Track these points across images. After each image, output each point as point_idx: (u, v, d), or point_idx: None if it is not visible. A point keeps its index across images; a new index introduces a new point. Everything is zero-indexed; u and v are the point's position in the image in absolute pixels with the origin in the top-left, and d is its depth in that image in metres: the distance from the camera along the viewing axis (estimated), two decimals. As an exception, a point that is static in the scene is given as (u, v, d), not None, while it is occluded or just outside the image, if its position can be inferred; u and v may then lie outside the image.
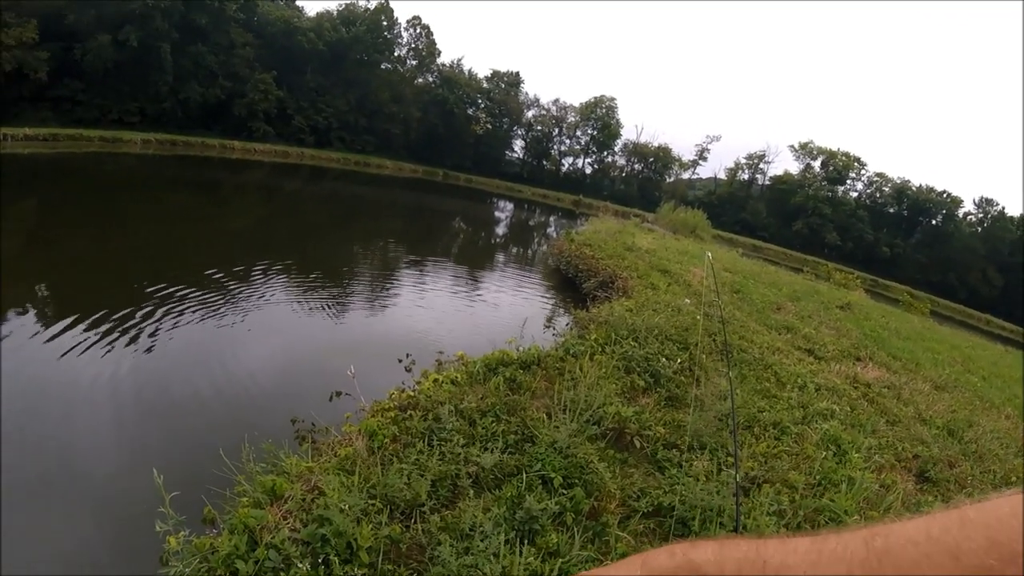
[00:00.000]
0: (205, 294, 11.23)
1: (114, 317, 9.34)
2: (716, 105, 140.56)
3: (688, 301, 10.49)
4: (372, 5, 63.20)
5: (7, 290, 9.65)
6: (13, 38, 34.97)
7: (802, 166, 76.59)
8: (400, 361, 7.20)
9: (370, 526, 3.42)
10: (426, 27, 69.35)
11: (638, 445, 5.27)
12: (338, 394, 5.90)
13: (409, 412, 5.12)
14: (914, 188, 73.37)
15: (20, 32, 35.38)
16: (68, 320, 8.72)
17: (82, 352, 7.91)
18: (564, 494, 4.15)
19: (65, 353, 7.75)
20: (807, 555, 0.51)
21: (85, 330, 8.55)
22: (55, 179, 25.08)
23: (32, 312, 9.03)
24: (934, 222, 73.74)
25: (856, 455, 5.82)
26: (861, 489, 4.98)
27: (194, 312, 10.14)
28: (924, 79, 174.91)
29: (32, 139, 32.58)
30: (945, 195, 72.29)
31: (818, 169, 75.51)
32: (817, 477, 5.18)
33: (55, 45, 38.57)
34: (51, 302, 9.91)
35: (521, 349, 7.12)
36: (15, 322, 8.50)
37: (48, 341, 8.03)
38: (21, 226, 15.58)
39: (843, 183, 74.97)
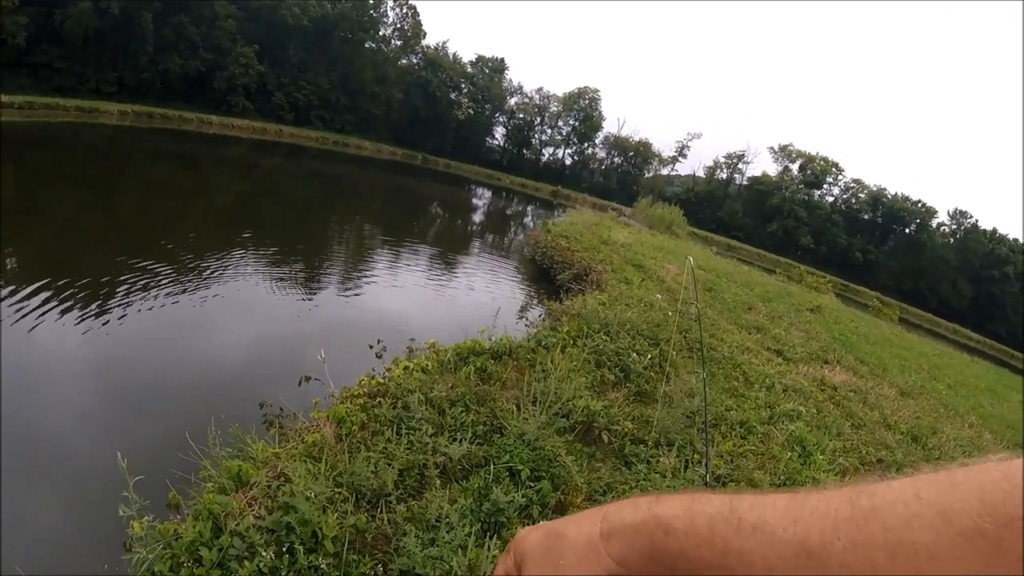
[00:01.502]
0: (177, 270, 11.08)
1: (83, 289, 9.18)
2: (698, 103, 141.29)
3: (660, 297, 10.57)
4: (359, -18, 62.34)
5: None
6: (-9, 1, 33.96)
7: (780, 168, 77.31)
8: (371, 347, 7.16)
9: (336, 515, 3.42)
10: (412, 7, 68.59)
11: (606, 440, 5.32)
12: (307, 379, 5.85)
13: (378, 399, 5.11)
14: (890, 196, 74.40)
15: (0, -4, 34.36)
16: (36, 291, 8.55)
17: (49, 324, 7.78)
18: (531, 487, 4.18)
19: (33, 328, 7.61)
20: (787, 511, 0.48)
21: (53, 302, 8.40)
22: (30, 147, 24.50)
23: (5, 287, 8.82)
24: (908, 231, 74.84)
25: (821, 457, 5.93)
26: (824, 491, 5.07)
27: (165, 288, 9.99)
28: (905, 88, 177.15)
29: (7, 107, 31.67)
30: (920, 205, 73.46)
31: (796, 172, 76.25)
32: (782, 477, 5.27)
33: (35, 9, 37.52)
34: (19, 271, 9.69)
35: (493, 339, 7.12)
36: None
37: (15, 312, 7.87)
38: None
39: (820, 187, 75.83)
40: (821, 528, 0.45)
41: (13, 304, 8.09)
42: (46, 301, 8.40)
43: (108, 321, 8.33)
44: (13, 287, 8.64)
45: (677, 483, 4.51)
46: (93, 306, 8.68)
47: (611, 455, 5.20)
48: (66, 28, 39.92)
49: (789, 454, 5.78)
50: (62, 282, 9.24)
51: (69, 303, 8.56)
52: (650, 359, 7.52)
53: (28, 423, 5.73)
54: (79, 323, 8.06)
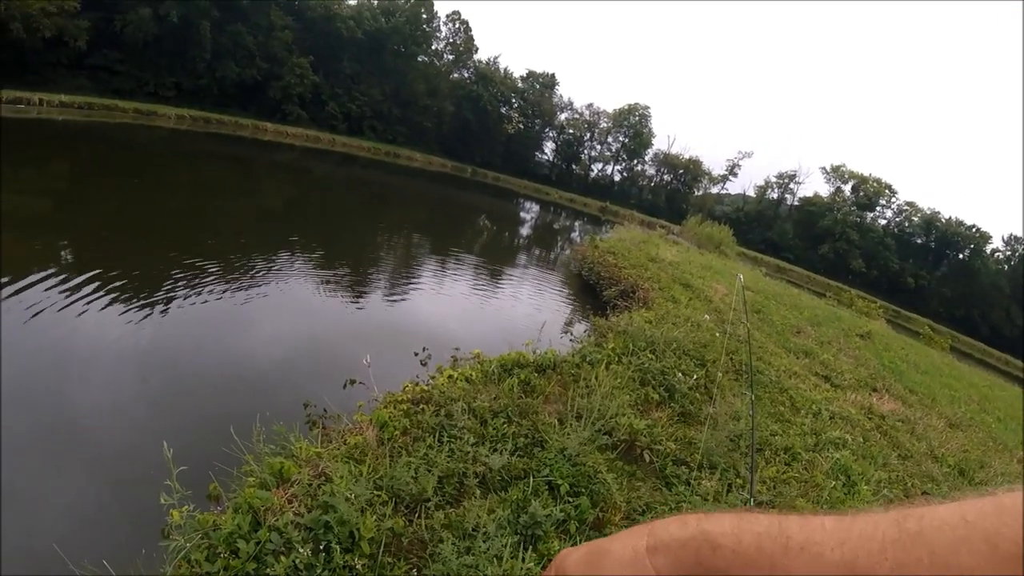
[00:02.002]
0: (229, 268, 11.34)
1: (137, 283, 9.47)
2: (750, 121, 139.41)
3: (708, 317, 10.41)
4: (413, -3, 63.42)
5: (32, 248, 9.80)
6: (55, 5, 35.44)
7: (832, 189, 75.82)
8: (416, 354, 7.20)
9: (374, 517, 3.41)
10: (465, 23, 69.53)
11: (648, 459, 5.23)
12: (352, 382, 5.90)
13: (422, 406, 5.11)
14: (943, 220, 72.32)
15: (62, 0, 35.83)
16: (90, 280, 8.84)
17: (101, 313, 8.03)
18: (570, 502, 4.12)
19: (81, 313, 7.86)
20: (835, 533, 0.48)
21: (107, 293, 8.66)
22: (88, 145, 25.46)
23: (55, 271, 9.12)
24: (961, 256, 72.58)
25: (865, 487, 5.74)
26: (868, 523, 4.90)
27: (217, 285, 10.23)
28: (962, 110, 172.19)
29: (67, 106, 33.15)
30: (974, 230, 71.18)
31: (848, 193, 74.70)
32: (824, 506, 5.11)
33: (96, 15, 39.02)
34: (75, 262, 10.00)
35: (538, 352, 7.09)
36: (38, 279, 8.60)
37: (69, 300, 8.13)
38: (52, 188, 15.84)
39: (872, 209, 74.10)
40: (868, 550, 0.45)
41: (64, 290, 8.38)
42: (97, 290, 8.67)
43: (156, 313, 8.55)
44: (65, 275, 8.94)
45: (718, 506, 4.40)
46: (142, 298, 8.92)
47: (652, 475, 5.11)
48: (126, 33, 41.43)
49: (833, 483, 5.60)
50: (113, 273, 9.54)
51: (118, 293, 8.81)
52: (696, 380, 7.38)
53: (73, 411, 5.89)
54: (128, 313, 8.29)
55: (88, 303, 8.23)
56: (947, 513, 0.43)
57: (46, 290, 8.31)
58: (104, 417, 5.93)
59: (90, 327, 7.69)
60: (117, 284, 9.14)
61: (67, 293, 8.38)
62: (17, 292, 8.09)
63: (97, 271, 9.40)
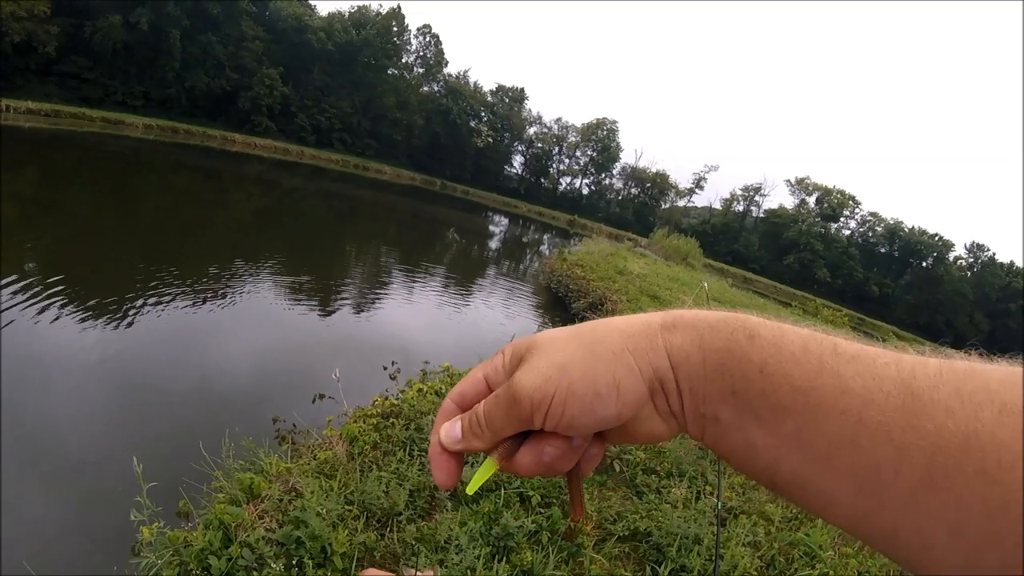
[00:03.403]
0: (197, 280, 11.20)
1: (104, 293, 9.32)
2: (716, 135, 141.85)
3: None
4: (384, 9, 63.52)
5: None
6: (25, 9, 34.88)
7: (797, 201, 77.37)
8: (385, 368, 7.22)
9: (346, 532, 3.42)
10: (435, 36, 69.79)
11: (617, 468, 5.28)
12: (321, 396, 5.90)
13: (391, 420, 5.12)
14: (906, 229, 74.10)
15: (33, 4, 35.34)
16: (56, 289, 8.68)
17: (65, 323, 7.89)
18: (541, 512, 4.16)
19: (42, 322, 7.72)
20: (884, 352, 0.42)
21: (72, 302, 8.51)
22: (55, 153, 25.02)
23: (21, 281, 8.95)
24: (925, 264, 74.37)
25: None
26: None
27: (184, 297, 10.10)
28: (921, 122, 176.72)
29: (35, 113, 32.61)
30: (937, 238, 73.01)
31: (813, 205, 76.19)
32: (793, 511, 5.20)
33: (66, 20, 38.58)
34: (42, 272, 9.81)
35: (507, 364, 7.11)
36: (4, 288, 8.44)
37: (32, 309, 7.98)
38: (18, 194, 15.54)
39: (836, 220, 75.67)
40: (925, 373, 0.39)
41: (27, 298, 8.22)
42: (62, 299, 8.52)
43: (122, 325, 8.42)
44: (28, 282, 8.78)
45: (688, 513, 4.47)
46: (109, 309, 8.78)
47: (622, 484, 5.16)
48: (96, 40, 40.90)
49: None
50: (79, 282, 9.40)
51: (84, 303, 8.67)
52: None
53: (39, 421, 5.78)
54: (93, 323, 8.15)
55: (53, 312, 8.09)
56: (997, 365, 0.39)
57: (9, 297, 8.15)
58: (71, 431, 5.83)
59: (55, 337, 7.56)
60: (83, 294, 8.99)
61: (30, 301, 8.22)
62: None
63: (63, 280, 9.24)
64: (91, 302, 8.88)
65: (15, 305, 8.12)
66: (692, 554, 4.03)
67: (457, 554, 3.47)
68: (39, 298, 8.48)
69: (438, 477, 0.53)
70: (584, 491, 0.57)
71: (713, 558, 4.01)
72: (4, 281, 8.69)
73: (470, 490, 0.54)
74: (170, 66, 45.28)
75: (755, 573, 4.07)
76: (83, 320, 8.24)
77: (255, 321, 10.30)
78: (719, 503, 2.98)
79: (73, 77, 41.29)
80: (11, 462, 5.14)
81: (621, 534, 4.26)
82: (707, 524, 4.41)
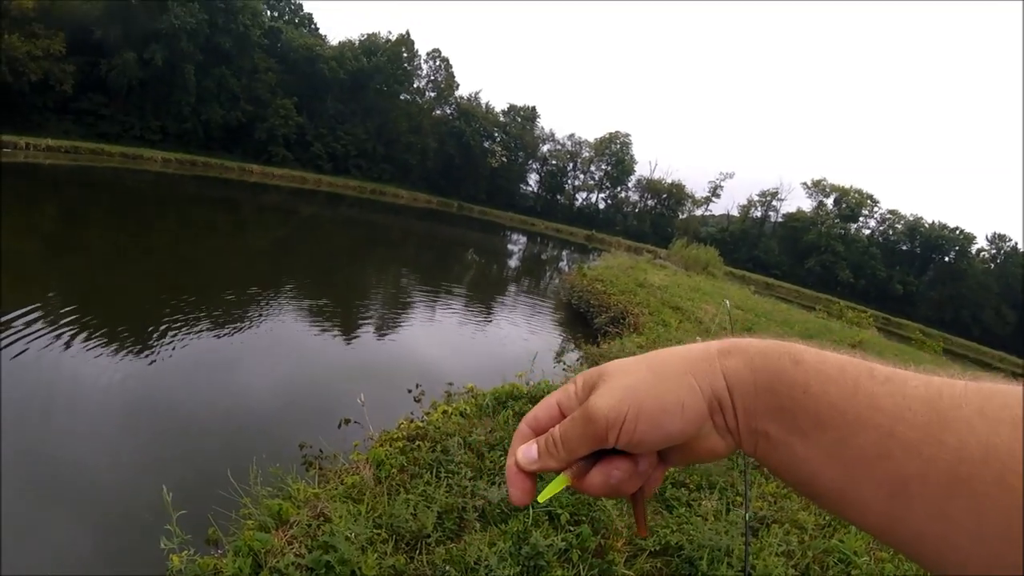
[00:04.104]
0: (220, 310, 11.33)
1: (128, 325, 9.45)
2: (730, 142, 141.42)
3: (699, 339, 10.45)
4: (393, 36, 64.27)
5: (22, 291, 9.78)
6: (41, 48, 35.79)
7: (815, 203, 76.64)
8: (410, 391, 7.25)
9: (375, 555, 3.41)
10: (445, 60, 70.45)
11: (647, 483, 5.23)
12: (347, 421, 5.93)
13: (417, 443, 5.12)
14: (927, 225, 73.00)
15: (48, 43, 36.24)
16: (82, 326, 8.81)
17: (91, 356, 8.00)
18: (571, 531, 4.12)
19: (76, 354, 7.84)
20: (915, 375, 0.48)
21: (98, 337, 8.63)
22: (75, 189, 25.54)
23: (44, 315, 9.11)
24: (947, 259, 73.17)
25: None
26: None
27: (208, 327, 10.22)
28: (936, 116, 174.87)
29: (54, 150, 33.39)
30: (958, 232, 71.84)
31: (831, 206, 75.46)
32: (827, 518, 5.12)
33: (82, 59, 39.47)
34: (65, 307, 9.97)
35: (531, 383, 7.12)
36: (28, 324, 8.59)
37: (57, 343, 8.11)
38: (39, 229, 15.88)
39: (856, 220, 74.82)
40: (951, 393, 0.44)
41: (52, 333, 8.36)
42: (87, 332, 8.65)
43: (146, 355, 8.52)
44: (53, 317, 8.94)
45: (719, 525, 4.41)
46: (132, 340, 8.90)
47: (652, 499, 5.11)
48: (111, 77, 41.76)
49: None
50: (102, 315, 9.55)
51: (109, 336, 8.78)
52: (690, 401, 7.40)
53: (66, 451, 5.85)
54: (118, 356, 8.26)
55: (77, 344, 8.21)
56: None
57: (32, 329, 8.30)
58: (99, 462, 5.89)
59: (79, 368, 7.67)
60: (106, 326, 9.11)
61: (55, 335, 8.37)
62: (2, 332, 8.10)
63: (84, 312, 9.40)
64: (114, 334, 8.99)
65: (39, 336, 8.27)
66: (723, 566, 3.97)
67: (487, 575, 3.45)
68: (61, 330, 8.61)
69: (514, 495, 0.59)
70: (647, 510, 0.62)
71: (744, 569, 3.95)
72: (26, 312, 8.87)
73: (542, 499, 0.58)
74: (185, 100, 46.09)
75: (791, 583, 4.01)
76: (107, 351, 8.35)
77: (278, 347, 10.37)
78: (747, 514, 2.93)
79: (90, 114, 42.15)
80: (40, 492, 5.22)
81: (652, 549, 4.21)
82: (738, 535, 4.35)
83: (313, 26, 66.46)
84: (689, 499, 5.03)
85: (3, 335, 8.09)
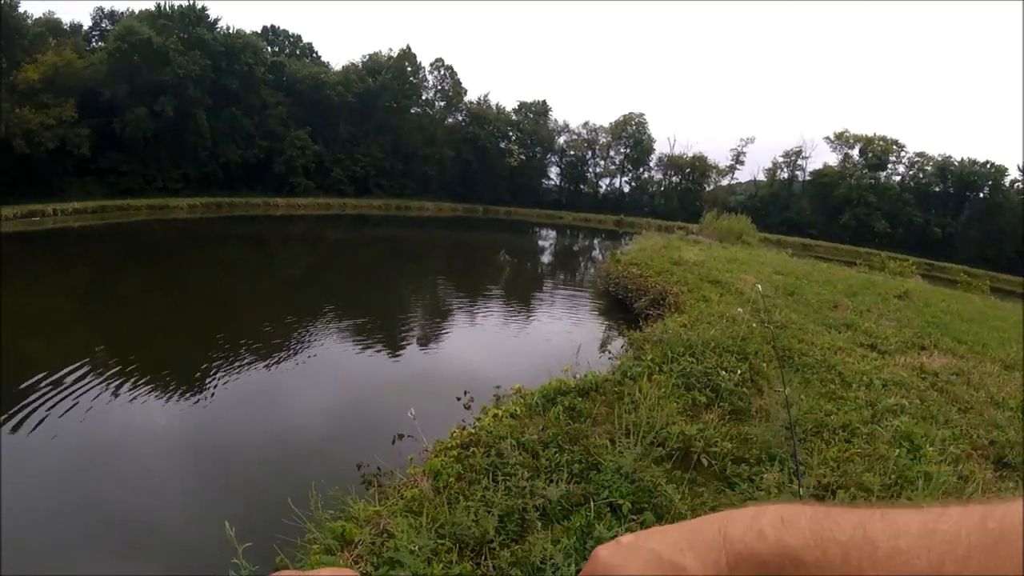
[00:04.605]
0: (262, 342, 11.53)
1: (173, 370, 9.69)
2: (745, 106, 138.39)
3: (741, 310, 10.31)
4: (395, 52, 64.67)
5: (68, 349, 10.08)
6: (53, 117, 36.74)
7: (840, 156, 74.63)
8: (459, 399, 7.28)
9: (440, 565, 3.42)
10: (449, 68, 70.62)
11: (705, 463, 5.17)
12: (400, 436, 5.97)
13: (472, 449, 5.13)
14: (956, 163, 70.60)
15: (60, 111, 37.17)
16: (127, 375, 9.07)
17: (143, 402, 8.25)
18: (634, 520, 4.09)
19: (126, 403, 8.07)
20: (920, 539, 0.46)
21: (146, 384, 8.87)
22: (107, 246, 26.22)
23: (92, 368, 9.38)
24: (982, 195, 70.65)
25: (930, 449, 5.59)
26: (939, 484, 4.78)
27: (252, 360, 10.42)
28: (948, 46, 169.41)
29: (81, 212, 34.33)
30: (988, 165, 69.31)
31: (857, 157, 73.48)
32: (892, 477, 5.00)
33: (94, 120, 40.28)
34: (111, 359, 10.26)
35: (577, 376, 7.08)
36: (78, 379, 8.85)
37: (110, 396, 8.36)
38: (75, 289, 16.36)
39: (884, 168, 72.67)
40: (954, 556, 0.44)
41: (101, 383, 8.61)
42: (135, 379, 8.91)
43: (196, 397, 8.74)
44: (100, 370, 9.20)
45: (783, 498, 4.33)
46: (181, 382, 9.14)
47: (712, 478, 5.05)
48: (126, 134, 42.54)
49: (897, 451, 5.46)
50: (148, 361, 9.82)
51: (157, 381, 9.05)
52: (740, 375, 7.30)
53: (130, 499, 6.01)
54: (170, 399, 8.51)
55: (127, 394, 8.45)
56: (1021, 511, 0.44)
57: (83, 385, 8.57)
58: (160, 504, 6.05)
59: (133, 418, 7.89)
60: (153, 373, 9.36)
61: (104, 387, 8.63)
62: (55, 388, 8.38)
63: (132, 363, 9.67)
64: (160, 379, 9.24)
65: (88, 389, 8.53)
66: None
67: (554, 572, 3.44)
68: (109, 381, 8.88)
69: None
70: None
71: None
72: (75, 367, 9.16)
73: None
74: (201, 145, 46.89)
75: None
76: (156, 397, 8.59)
77: (324, 371, 10.52)
78: (799, 487, 2.88)
79: (111, 172, 43.06)
80: (106, 539, 5.38)
81: (719, 528, 4.15)
82: (807, 504, 4.27)
83: (315, 55, 67.20)
84: (750, 474, 4.96)
85: (56, 391, 8.35)
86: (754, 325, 9.32)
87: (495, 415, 6.00)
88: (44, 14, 44.07)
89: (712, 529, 0.57)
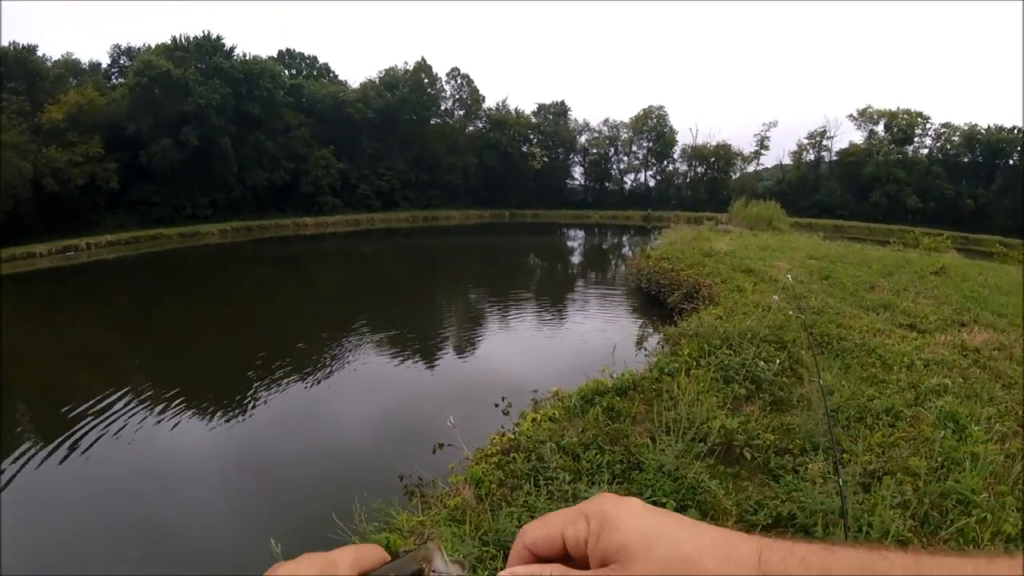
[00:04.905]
0: (300, 359, 11.72)
1: (217, 390, 9.93)
2: (764, 89, 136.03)
3: (776, 298, 10.19)
4: (410, 65, 65.15)
5: (114, 376, 10.35)
6: (80, 154, 37.80)
7: (866, 134, 73.00)
8: (496, 405, 7.30)
9: (486, 573, 3.44)
10: (466, 76, 70.87)
11: (748, 456, 5.13)
12: (440, 446, 6.01)
13: (512, 455, 5.15)
14: (983, 131, 68.69)
15: (86, 148, 38.24)
16: (169, 400, 9.31)
17: (188, 424, 8.48)
18: (679, 516, 4.07)
19: (171, 427, 8.29)
20: None
21: (188, 408, 9.10)
22: (142, 276, 26.81)
23: (135, 395, 9.64)
24: (1011, 162, 68.54)
25: (976, 428, 5.47)
26: (986, 464, 4.68)
27: (292, 378, 10.59)
28: (971, 11, 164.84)
29: (115, 244, 35.17)
30: (1016, 131, 67.20)
31: (882, 133, 71.94)
32: (939, 459, 4.90)
33: (121, 154, 41.27)
34: (153, 385, 10.53)
35: (614, 375, 7.07)
36: (125, 404, 9.11)
37: (155, 420, 8.59)
38: (116, 318, 16.77)
39: (911, 142, 70.88)
40: None
41: (146, 408, 8.84)
42: (179, 403, 9.14)
43: (241, 415, 8.94)
44: (145, 396, 9.43)
45: (830, 487, 4.27)
46: (224, 404, 9.34)
47: (756, 471, 5.00)
48: (153, 165, 43.48)
49: (942, 433, 5.35)
50: (191, 385, 10.06)
51: (200, 403, 9.28)
52: (779, 364, 7.22)
53: (178, 520, 6.15)
54: (214, 420, 8.72)
55: (172, 419, 8.68)
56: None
57: (129, 410, 8.84)
58: (208, 523, 6.19)
59: (178, 441, 8.10)
60: (195, 397, 9.59)
61: (149, 410, 8.88)
62: (101, 414, 8.64)
63: (174, 388, 9.92)
64: (202, 403, 9.46)
65: (134, 413, 8.78)
66: (840, 528, 3.85)
67: None
68: (155, 406, 9.11)
69: None
70: None
71: (861, 529, 3.82)
72: (122, 394, 9.41)
73: None
74: (228, 171, 47.67)
75: (909, 534, 3.84)
76: (198, 420, 8.79)
77: (363, 386, 10.64)
78: (838, 478, 2.84)
79: (142, 203, 44.03)
80: (158, 560, 5.51)
81: (764, 523, 4.11)
82: (851, 493, 4.22)
83: (332, 74, 67.95)
84: (794, 465, 4.90)
85: (102, 418, 8.59)
86: (790, 313, 9.21)
87: (534, 419, 6.02)
88: (63, 55, 45.56)
89: (749, 548, 0.50)
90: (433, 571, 0.53)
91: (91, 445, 7.85)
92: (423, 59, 65.41)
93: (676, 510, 4.06)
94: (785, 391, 6.63)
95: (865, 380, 7.00)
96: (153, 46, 48.27)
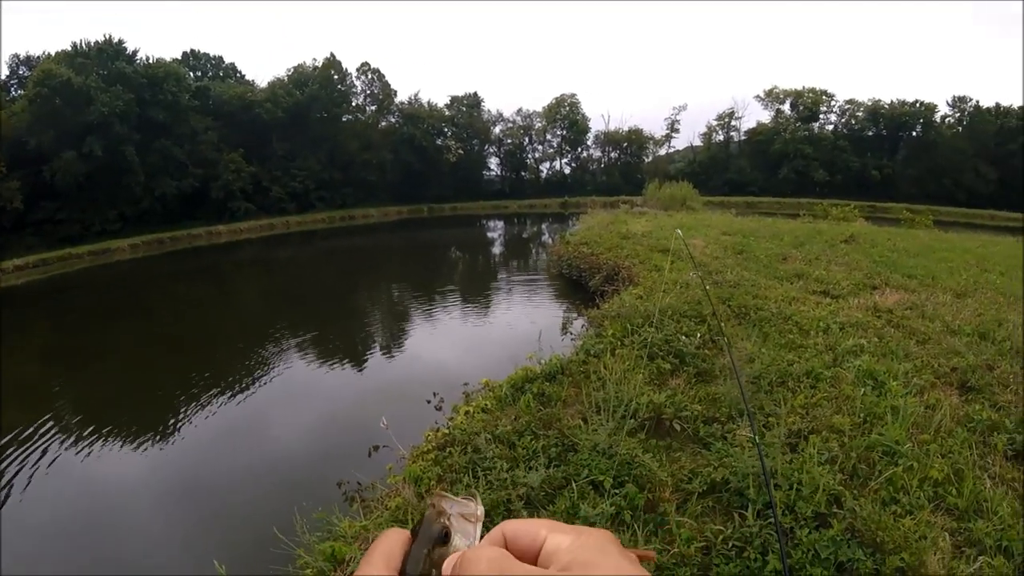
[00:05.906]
0: (225, 374, 11.35)
1: (141, 413, 9.52)
2: (673, 74, 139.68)
3: (694, 275, 10.49)
4: (319, 62, 63.70)
5: (30, 408, 9.80)
6: (-23, 174, 35.34)
7: (772, 113, 76.32)
8: (429, 401, 7.26)
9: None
10: (376, 71, 69.75)
11: (678, 428, 5.28)
12: (376, 448, 5.95)
13: (448, 450, 5.14)
14: (887, 105, 72.80)
15: (-14, 167, 35.76)
16: (94, 428, 8.88)
17: (115, 451, 8.12)
18: (617, 494, 4.16)
19: (98, 456, 7.88)
20: None
21: (115, 431, 8.72)
22: (53, 300, 25.34)
23: (57, 425, 9.18)
24: (914, 133, 72.99)
25: (895, 383, 5.80)
26: (907, 416, 4.97)
27: (218, 394, 10.26)
28: None
29: (23, 268, 32.98)
30: (918, 104, 71.66)
31: (789, 112, 75.27)
32: (861, 415, 5.17)
33: (23, 171, 38.83)
34: (76, 414, 10.03)
35: (543, 361, 7.14)
36: (43, 438, 8.64)
37: (80, 445, 8.21)
38: (31, 348, 15.85)
39: (816, 119, 74.47)
40: None
41: (72, 437, 8.40)
42: (105, 430, 8.73)
43: (170, 438, 8.62)
44: (76, 421, 8.98)
45: (756, 451, 4.46)
46: (151, 427, 8.97)
47: (687, 441, 5.16)
48: (57, 180, 41.04)
49: (862, 390, 5.66)
50: (114, 410, 9.62)
51: (126, 428, 8.88)
52: (700, 337, 7.45)
53: (119, 551, 5.90)
54: (142, 445, 8.36)
55: (99, 448, 8.29)
56: None
57: (51, 441, 8.40)
58: (148, 551, 5.95)
59: (108, 469, 7.73)
60: (123, 421, 9.20)
61: (74, 442, 8.46)
62: (27, 445, 8.20)
63: (98, 416, 9.47)
64: (133, 426, 9.05)
65: (55, 444, 8.33)
66: (771, 488, 4.02)
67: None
68: (77, 436, 8.67)
69: None
70: None
71: (792, 486, 3.99)
72: (40, 424, 8.91)
73: None
74: (135, 181, 45.46)
75: (840, 488, 4.04)
76: (132, 445, 8.40)
77: (292, 395, 10.40)
78: (754, 436, 2.97)
79: (47, 222, 41.54)
80: None
81: (699, 491, 4.25)
82: (779, 454, 4.40)
83: (239, 74, 65.81)
84: (723, 432, 5.07)
85: (22, 449, 8.12)
86: (708, 287, 9.50)
87: (467, 412, 6.03)
88: (-45, 70, 42.40)
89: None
90: (450, 519, 0.53)
91: (10, 481, 7.41)
92: (332, 55, 63.99)
93: (614, 487, 4.17)
94: (708, 362, 6.85)
95: (784, 346, 7.30)
96: (53, 53, 45.53)
